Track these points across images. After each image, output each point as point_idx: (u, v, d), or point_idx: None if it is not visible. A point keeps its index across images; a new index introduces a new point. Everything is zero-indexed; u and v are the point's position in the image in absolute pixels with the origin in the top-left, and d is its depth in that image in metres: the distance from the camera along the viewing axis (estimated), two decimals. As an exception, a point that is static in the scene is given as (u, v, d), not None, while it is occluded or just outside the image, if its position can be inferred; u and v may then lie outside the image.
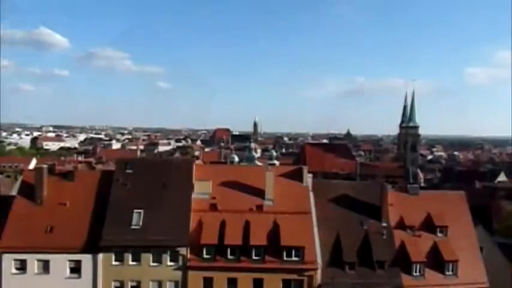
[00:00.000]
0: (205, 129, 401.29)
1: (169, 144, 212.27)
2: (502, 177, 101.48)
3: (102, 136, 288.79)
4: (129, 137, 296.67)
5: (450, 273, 33.10)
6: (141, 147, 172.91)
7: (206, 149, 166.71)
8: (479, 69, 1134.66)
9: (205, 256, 31.32)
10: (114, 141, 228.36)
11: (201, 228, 32.19)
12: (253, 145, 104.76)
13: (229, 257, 31.26)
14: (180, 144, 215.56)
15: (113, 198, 33.40)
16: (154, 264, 31.46)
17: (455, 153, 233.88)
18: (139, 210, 32.61)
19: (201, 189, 34.47)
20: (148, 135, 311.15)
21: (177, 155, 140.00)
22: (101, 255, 31.27)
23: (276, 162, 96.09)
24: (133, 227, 32.04)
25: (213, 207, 33.74)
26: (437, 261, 33.27)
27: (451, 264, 33.16)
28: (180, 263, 31.39)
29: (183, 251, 31.40)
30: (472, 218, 36.92)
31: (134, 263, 31.46)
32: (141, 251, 31.41)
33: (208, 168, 42.81)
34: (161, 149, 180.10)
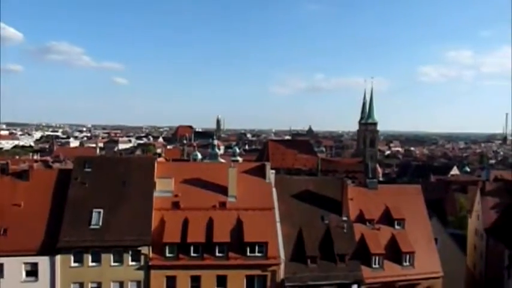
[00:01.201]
0: (168, 126, 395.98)
1: (129, 141, 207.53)
2: (454, 171, 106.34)
3: (59, 134, 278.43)
4: (88, 134, 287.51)
5: (407, 264, 34.37)
6: (101, 144, 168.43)
7: (168, 146, 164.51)
8: (432, 67, 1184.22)
9: (167, 255, 30.91)
10: (72, 139, 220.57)
11: (163, 226, 31.74)
12: (216, 142, 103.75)
13: (192, 254, 31.00)
14: (141, 141, 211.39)
15: (71, 197, 32.34)
16: (115, 264, 30.73)
17: (411, 148, 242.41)
18: (99, 210, 31.73)
19: (163, 187, 33.98)
20: (107, 133, 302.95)
21: (138, 152, 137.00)
22: (58, 257, 30.19)
23: (239, 158, 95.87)
24: (92, 226, 31.15)
25: (176, 205, 33.33)
26: (395, 253, 34.46)
27: (408, 255, 34.42)
28: (142, 262, 30.83)
29: (145, 250, 30.84)
30: (427, 211, 38.49)
31: (94, 263, 30.60)
32: (101, 252, 30.58)
33: (170, 166, 42.20)
34: (121, 146, 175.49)
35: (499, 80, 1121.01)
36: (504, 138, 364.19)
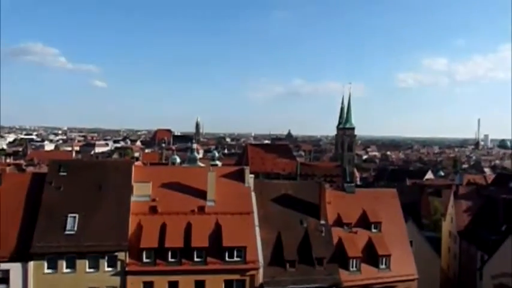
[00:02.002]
0: (146, 130, 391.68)
1: (106, 145, 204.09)
2: (429, 175, 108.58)
3: (33, 137, 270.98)
4: (64, 137, 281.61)
5: (384, 266, 34.87)
6: (77, 148, 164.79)
7: (146, 150, 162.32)
8: (409, 74, 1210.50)
9: (145, 260, 30.50)
10: (46, 142, 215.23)
11: (141, 231, 31.32)
12: (195, 146, 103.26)
13: (170, 260, 30.68)
14: (118, 145, 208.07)
15: (45, 202, 31.55)
16: (91, 270, 30.10)
17: (388, 153, 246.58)
18: (74, 215, 31.06)
19: (141, 192, 33.56)
20: (84, 136, 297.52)
21: (115, 156, 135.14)
22: (31, 264, 29.37)
23: (218, 163, 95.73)
24: (67, 232, 30.43)
25: (153, 209, 32.97)
26: (372, 256, 34.93)
27: (384, 258, 34.94)
28: (119, 268, 30.31)
29: (121, 255, 30.34)
30: (403, 214, 39.21)
31: (69, 270, 29.90)
32: (76, 257, 29.91)
33: (148, 170, 41.77)
34: (98, 150, 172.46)
35: (471, 87, 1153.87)
36: (476, 143, 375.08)
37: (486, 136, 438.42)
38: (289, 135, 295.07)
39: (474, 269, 43.60)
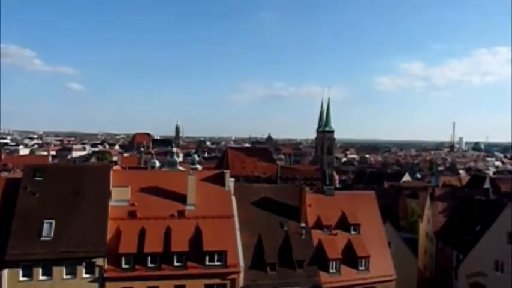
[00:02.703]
0: (124, 134, 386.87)
1: (84, 149, 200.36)
2: (406, 177, 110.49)
3: (7, 141, 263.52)
4: (39, 141, 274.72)
5: (363, 268, 35.32)
6: (53, 152, 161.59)
7: (125, 154, 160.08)
8: (387, 78, 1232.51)
9: (123, 266, 30.06)
10: (21, 147, 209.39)
11: (119, 236, 30.89)
12: (175, 149, 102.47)
13: (149, 265, 30.34)
14: (96, 149, 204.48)
15: (19, 208, 30.73)
16: (68, 277, 29.45)
17: (367, 155, 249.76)
18: (50, 221, 30.35)
19: (119, 196, 33.11)
20: (60, 140, 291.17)
21: (92, 160, 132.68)
22: (5, 271, 28.52)
23: (199, 166, 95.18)
24: (43, 238, 29.71)
25: (132, 214, 32.57)
26: (351, 257, 35.33)
27: (363, 259, 35.40)
28: (97, 274, 29.78)
29: (99, 261, 29.84)
30: (381, 215, 39.84)
31: (45, 277, 29.17)
32: (53, 264, 29.19)
33: (127, 174, 41.24)
34: (75, 154, 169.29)
35: (447, 91, 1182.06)
36: (452, 146, 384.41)
37: (461, 139, 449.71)
38: (269, 138, 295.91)
39: (450, 269, 44.58)
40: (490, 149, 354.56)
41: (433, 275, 52.61)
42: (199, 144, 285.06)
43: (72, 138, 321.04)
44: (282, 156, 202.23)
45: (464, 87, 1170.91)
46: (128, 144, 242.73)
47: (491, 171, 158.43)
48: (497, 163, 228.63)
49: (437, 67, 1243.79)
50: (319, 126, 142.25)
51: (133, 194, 33.77)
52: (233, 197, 35.87)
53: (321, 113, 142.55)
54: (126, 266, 30.09)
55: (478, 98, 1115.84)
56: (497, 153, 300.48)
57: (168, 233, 31.67)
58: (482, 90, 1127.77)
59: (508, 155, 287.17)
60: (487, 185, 74.60)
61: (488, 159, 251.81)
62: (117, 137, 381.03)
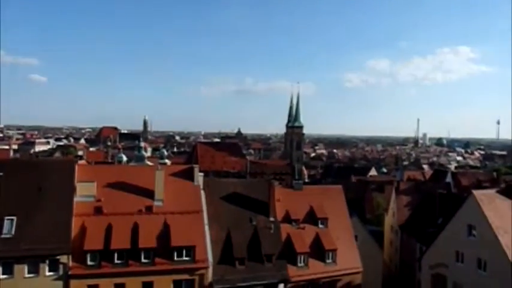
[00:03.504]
0: (90, 127, 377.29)
1: (48, 143, 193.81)
2: (373, 172, 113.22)
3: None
4: (0, 135, 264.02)
5: (330, 261, 35.93)
6: (15, 146, 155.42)
7: (91, 149, 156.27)
8: (354, 74, 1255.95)
9: (89, 263, 29.39)
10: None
11: (85, 233, 30.15)
12: (142, 144, 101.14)
13: (116, 261, 29.79)
14: (60, 143, 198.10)
15: (-22, 205, 29.48)
16: (30, 275, 28.52)
17: (335, 151, 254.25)
18: (12, 217, 29.24)
19: (84, 192, 32.28)
20: (23, 134, 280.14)
21: (57, 155, 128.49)
22: (-38, 271, 27.40)
23: (167, 161, 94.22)
24: (4, 236, 28.60)
25: (98, 210, 31.84)
26: (319, 250, 35.89)
27: (331, 252, 36.01)
28: (61, 272, 28.97)
29: (64, 259, 29.02)
30: (348, 209, 40.60)
31: (6, 276, 28.12)
32: (14, 262, 28.20)
33: (92, 169, 40.25)
34: (38, 148, 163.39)
35: (412, 88, 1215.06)
36: (416, 142, 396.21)
37: (425, 135, 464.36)
38: (239, 133, 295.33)
39: (414, 260, 45.96)
40: (451, 145, 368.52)
41: (397, 267, 54.18)
42: (168, 139, 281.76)
43: (35, 132, 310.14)
44: (252, 151, 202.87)
45: (428, 85, 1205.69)
46: (94, 139, 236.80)
47: (452, 166, 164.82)
48: (459, 158, 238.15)
49: (403, 64, 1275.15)
50: (288, 122, 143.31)
51: (100, 190, 33.01)
52: (202, 192, 35.65)
53: (291, 108, 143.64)
54: (92, 263, 29.44)
55: (441, 95, 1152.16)
56: (459, 149, 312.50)
57: (135, 229, 31.16)
58: (445, 88, 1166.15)
59: (469, 150, 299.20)
60: (448, 179, 77.41)
61: (450, 154, 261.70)
62: (83, 130, 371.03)
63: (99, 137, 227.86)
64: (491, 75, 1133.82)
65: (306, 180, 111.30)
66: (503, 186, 38.91)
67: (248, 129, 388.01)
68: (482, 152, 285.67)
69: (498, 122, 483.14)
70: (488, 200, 32.58)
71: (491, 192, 34.92)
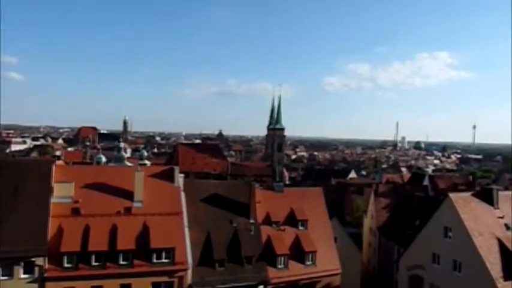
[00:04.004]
0: (69, 127, 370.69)
1: (24, 142, 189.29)
2: (352, 174, 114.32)
3: None
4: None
5: (310, 263, 36.15)
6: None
7: (69, 149, 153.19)
8: (335, 78, 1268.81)
9: (66, 265, 28.82)
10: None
11: (61, 234, 29.57)
12: (122, 144, 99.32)
13: (93, 264, 29.31)
14: (37, 142, 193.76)
15: (-51, 205, 28.61)
16: (4, 278, 27.80)
17: (315, 153, 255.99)
18: (-15, 219, 28.52)
19: (62, 193, 31.67)
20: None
21: (34, 154, 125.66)
22: None
23: (147, 162, 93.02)
24: (-24, 238, 27.89)
25: (76, 211, 31.28)
26: (298, 252, 36.06)
27: (310, 254, 36.23)
28: (37, 274, 28.33)
29: (39, 261, 28.39)
30: (328, 211, 40.95)
31: (-22, 279, 27.41)
32: (-13, 265, 27.51)
33: (70, 169, 39.50)
34: (14, 148, 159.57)
35: (392, 92, 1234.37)
36: (395, 145, 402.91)
37: (403, 138, 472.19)
38: (220, 134, 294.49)
39: (391, 262, 46.60)
40: (429, 148, 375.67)
41: (376, 268, 54.85)
42: (149, 140, 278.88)
43: (12, 131, 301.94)
44: (233, 153, 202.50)
45: (407, 89, 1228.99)
46: (72, 139, 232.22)
47: (430, 169, 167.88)
48: (436, 161, 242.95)
49: (383, 69, 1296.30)
50: (270, 124, 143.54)
51: (77, 191, 32.45)
52: (182, 194, 35.41)
53: (272, 110, 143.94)
54: (69, 265, 28.89)
55: (419, 100, 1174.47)
56: (436, 152, 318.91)
57: (113, 231, 30.73)
58: (424, 92, 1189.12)
59: (446, 154, 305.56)
60: (426, 182, 78.90)
61: (428, 157, 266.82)
62: (61, 130, 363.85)
63: (78, 137, 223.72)
64: (468, 81, 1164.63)
65: (287, 182, 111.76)
66: (478, 189, 39.81)
67: (229, 131, 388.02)
68: (458, 156, 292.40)
69: (474, 127, 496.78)
70: (463, 202, 33.35)
71: (467, 195, 35.74)
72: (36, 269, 28.35)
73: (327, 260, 36.99)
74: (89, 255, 29.25)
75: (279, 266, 34.73)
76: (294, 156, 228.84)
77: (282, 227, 37.18)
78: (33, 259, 28.27)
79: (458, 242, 31.85)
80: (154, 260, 30.47)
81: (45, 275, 28.40)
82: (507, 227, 32.92)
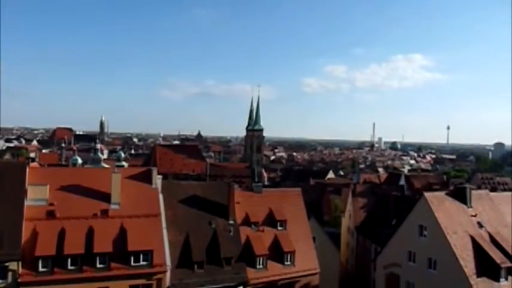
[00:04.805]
0: (43, 128, 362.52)
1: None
2: (330, 175, 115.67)
3: None
4: None
5: (289, 263, 36.33)
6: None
7: (44, 150, 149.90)
8: (313, 79, 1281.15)
9: (40, 269, 28.12)
10: None
11: (36, 238, 28.86)
12: (99, 146, 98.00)
13: (69, 267, 28.70)
14: (11, 144, 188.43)
15: None
16: (-25, 284, 27.05)
17: (294, 154, 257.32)
18: (-45, 223, 27.61)
19: (36, 195, 30.92)
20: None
21: (7, 156, 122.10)
22: None
23: (125, 163, 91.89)
24: None
25: (51, 214, 30.57)
26: (278, 253, 36.21)
27: (289, 254, 36.42)
28: (10, 279, 27.50)
29: (13, 265, 27.59)
30: (307, 211, 41.30)
31: None
32: (-43, 271, 26.64)
33: (45, 172, 38.60)
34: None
35: (369, 94, 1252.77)
36: (372, 145, 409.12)
37: (380, 139, 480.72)
38: (199, 135, 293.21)
39: (369, 261, 47.38)
40: (405, 148, 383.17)
41: (353, 267, 55.61)
42: (126, 141, 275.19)
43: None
44: (212, 154, 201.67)
45: (384, 91, 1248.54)
46: (47, 140, 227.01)
47: (406, 169, 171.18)
48: (412, 161, 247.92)
49: (360, 71, 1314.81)
50: (248, 125, 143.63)
51: (53, 193, 31.76)
52: (160, 195, 35.11)
53: (251, 111, 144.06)
54: (44, 270, 28.18)
55: (395, 101, 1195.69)
56: (412, 153, 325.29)
57: (90, 234, 30.18)
58: (400, 94, 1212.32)
59: (421, 154, 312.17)
60: (402, 181, 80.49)
61: (404, 157, 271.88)
62: (35, 131, 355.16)
63: (53, 138, 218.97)
64: (442, 83, 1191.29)
65: (266, 183, 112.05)
66: (452, 188, 40.85)
67: (208, 132, 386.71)
68: (433, 156, 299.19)
69: (448, 128, 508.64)
70: (438, 202, 34.20)
71: (441, 194, 36.65)
72: (10, 274, 27.53)
73: (306, 259, 37.27)
74: (64, 259, 28.63)
75: (258, 267, 34.79)
76: (273, 157, 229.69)
77: (261, 228, 37.28)
78: (6, 264, 27.43)
79: (433, 240, 32.63)
80: (132, 263, 30.04)
81: (19, 280, 27.61)
82: (480, 225, 33.95)
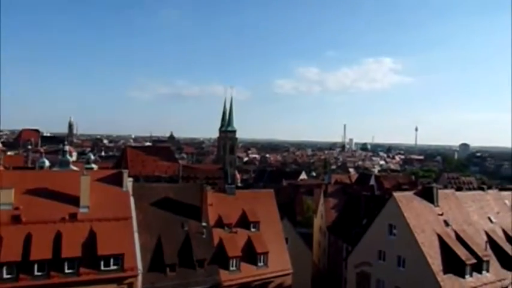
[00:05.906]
0: (8, 130, 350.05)
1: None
2: (303, 176, 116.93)
3: None
4: None
5: (262, 264, 36.43)
6: None
7: (9, 153, 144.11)
8: (286, 81, 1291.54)
9: (5, 276, 27.11)
10: None
11: (1, 244, 27.82)
12: (67, 148, 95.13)
13: (36, 273, 27.80)
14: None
15: None
16: None
17: (267, 155, 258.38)
18: None
19: (1, 199, 29.83)
20: None
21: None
22: None
23: (94, 166, 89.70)
24: None
25: (16, 218, 29.52)
26: (251, 254, 36.26)
27: (262, 256, 36.53)
28: (-28, 287, 26.53)
29: (-25, 273, 26.59)
30: (280, 212, 41.53)
31: None
32: None
33: (10, 175, 37.17)
34: None
35: (340, 95, 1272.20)
36: (343, 146, 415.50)
37: (351, 140, 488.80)
38: (171, 137, 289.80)
39: (340, 260, 48.07)
40: (375, 149, 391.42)
41: (326, 267, 56.30)
42: (96, 143, 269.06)
43: None
44: (185, 155, 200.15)
45: (354, 92, 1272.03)
46: (12, 142, 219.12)
47: (376, 170, 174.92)
48: (382, 162, 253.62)
49: (331, 73, 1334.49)
50: (221, 126, 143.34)
51: (18, 197, 30.71)
52: (131, 198, 34.52)
53: (224, 112, 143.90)
54: (9, 276, 27.19)
55: (366, 103, 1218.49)
56: (382, 153, 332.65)
57: (58, 238, 29.33)
58: (370, 96, 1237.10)
59: (390, 155, 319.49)
60: (372, 182, 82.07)
61: (374, 158, 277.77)
62: (0, 133, 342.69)
63: (19, 140, 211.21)
64: (410, 85, 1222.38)
65: (239, 185, 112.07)
66: (420, 188, 41.95)
67: (181, 133, 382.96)
68: (402, 157, 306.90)
69: (416, 129, 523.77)
70: (406, 201, 35.07)
71: (410, 194, 37.60)
72: (-28, 281, 26.53)
73: (279, 260, 37.46)
74: (31, 265, 27.71)
75: (231, 269, 34.73)
76: (246, 159, 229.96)
77: (234, 229, 37.22)
78: (-32, 271, 26.42)
79: (402, 238, 33.42)
80: (102, 267, 29.36)
81: (-18, 287, 26.64)
82: (446, 223, 35.03)
